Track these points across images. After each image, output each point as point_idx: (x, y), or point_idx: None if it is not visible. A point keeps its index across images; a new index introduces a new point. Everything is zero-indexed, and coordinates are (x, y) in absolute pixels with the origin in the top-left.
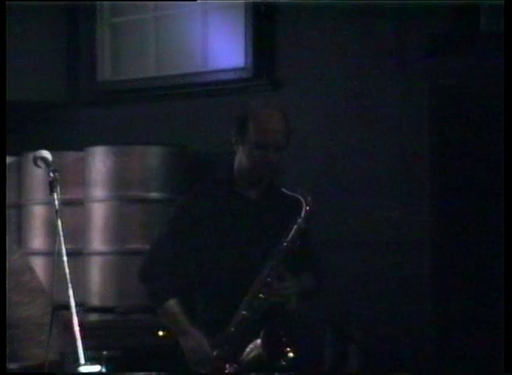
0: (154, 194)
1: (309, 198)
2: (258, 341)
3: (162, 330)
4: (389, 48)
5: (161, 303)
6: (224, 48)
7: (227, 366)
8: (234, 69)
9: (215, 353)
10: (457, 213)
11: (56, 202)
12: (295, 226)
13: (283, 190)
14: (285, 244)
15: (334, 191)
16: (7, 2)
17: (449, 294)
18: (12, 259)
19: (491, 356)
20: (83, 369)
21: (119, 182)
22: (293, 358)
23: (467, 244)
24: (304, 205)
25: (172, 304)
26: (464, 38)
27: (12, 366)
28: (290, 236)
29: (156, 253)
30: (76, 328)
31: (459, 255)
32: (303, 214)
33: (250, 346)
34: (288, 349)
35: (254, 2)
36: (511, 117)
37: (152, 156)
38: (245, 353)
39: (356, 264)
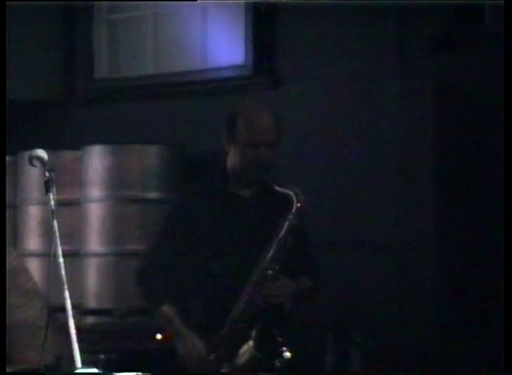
0: (152, 194)
1: (300, 195)
2: (251, 342)
3: (160, 333)
4: (391, 47)
5: (157, 306)
6: (223, 46)
7: (223, 367)
8: (234, 67)
9: (211, 356)
10: (459, 213)
11: (52, 202)
12: (286, 223)
13: (275, 187)
14: (277, 241)
15: (334, 191)
16: (7, 2)
17: (450, 295)
18: (8, 261)
19: (491, 356)
20: (79, 372)
21: (117, 182)
22: (289, 358)
23: (468, 245)
24: (295, 201)
25: (168, 307)
26: (467, 37)
27: (7, 369)
28: (282, 233)
29: (152, 256)
30: (73, 331)
31: (460, 256)
32: (294, 210)
33: (244, 347)
34: (284, 349)
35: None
36: None
37: (150, 155)
38: (239, 354)
39: (357, 265)
